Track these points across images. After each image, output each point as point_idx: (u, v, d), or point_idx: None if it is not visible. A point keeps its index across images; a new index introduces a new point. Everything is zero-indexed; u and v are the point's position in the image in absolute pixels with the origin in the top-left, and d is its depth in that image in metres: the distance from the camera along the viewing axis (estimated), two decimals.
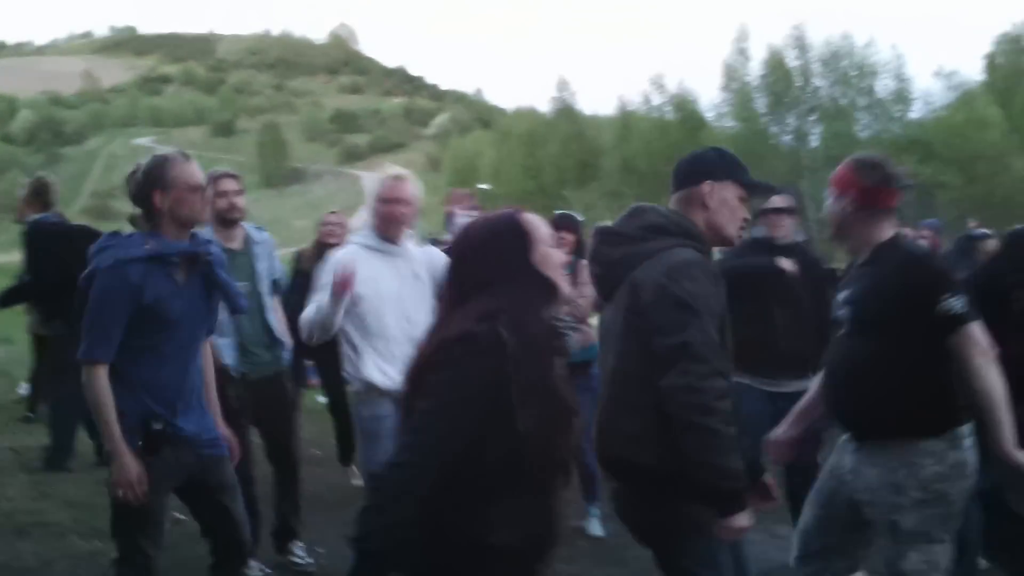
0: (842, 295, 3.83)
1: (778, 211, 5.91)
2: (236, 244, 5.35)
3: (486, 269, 2.66)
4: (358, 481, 7.80)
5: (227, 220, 5.32)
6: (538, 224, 2.75)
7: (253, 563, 5.55)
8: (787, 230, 5.93)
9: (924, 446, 3.52)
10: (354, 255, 4.72)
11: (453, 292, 2.72)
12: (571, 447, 2.66)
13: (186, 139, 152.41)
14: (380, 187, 4.85)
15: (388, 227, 4.79)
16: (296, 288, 7.84)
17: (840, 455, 3.85)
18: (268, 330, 5.43)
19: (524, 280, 2.64)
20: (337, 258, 4.79)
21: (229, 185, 5.35)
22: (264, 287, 5.45)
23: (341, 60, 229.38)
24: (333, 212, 8.11)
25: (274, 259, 5.65)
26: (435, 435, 2.45)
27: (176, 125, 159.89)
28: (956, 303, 3.47)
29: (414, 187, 4.88)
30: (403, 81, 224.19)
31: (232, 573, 4.09)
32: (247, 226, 5.51)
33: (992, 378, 3.44)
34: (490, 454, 2.48)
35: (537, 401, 2.51)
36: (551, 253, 2.72)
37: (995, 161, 48.09)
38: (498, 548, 2.49)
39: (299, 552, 5.78)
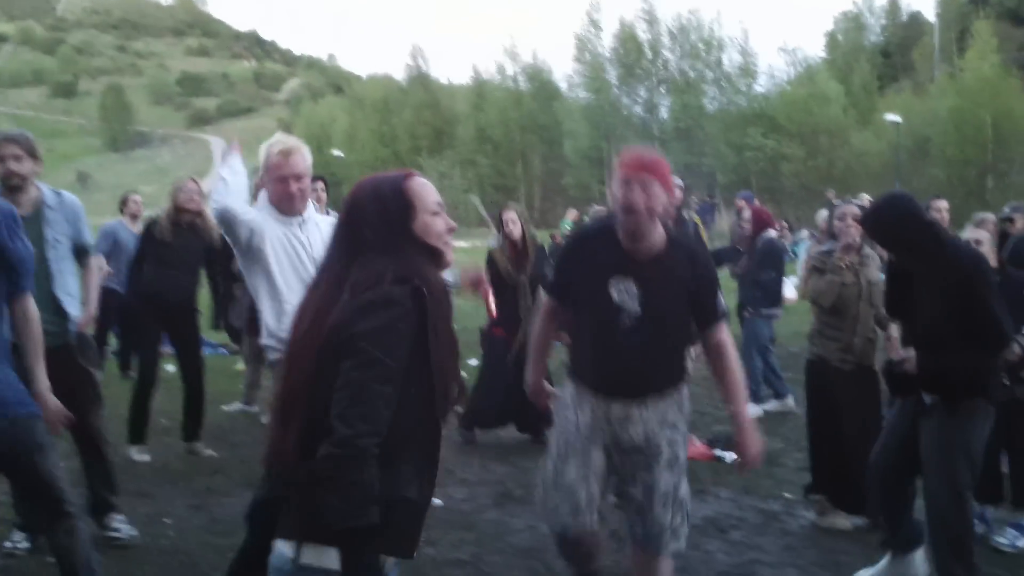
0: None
1: None
2: (25, 210, 5.11)
3: (372, 233, 2.63)
4: (210, 452, 7.68)
5: (8, 186, 5.11)
6: (425, 190, 2.74)
7: (18, 535, 5.30)
8: None
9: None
10: (262, 219, 4.50)
11: (341, 254, 2.69)
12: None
13: (24, 100, 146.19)
14: (271, 162, 4.53)
15: (286, 204, 4.53)
16: (147, 258, 7.62)
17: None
18: (53, 300, 5.20)
19: (408, 246, 2.63)
20: (251, 216, 4.52)
21: (5, 150, 5.12)
22: (54, 254, 5.22)
23: (188, 22, 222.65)
24: (192, 180, 7.81)
25: (77, 224, 5.39)
26: (379, 399, 2.43)
27: (12, 86, 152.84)
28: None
29: (305, 157, 4.57)
30: (253, 45, 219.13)
31: (66, 529, 3.97)
32: (45, 190, 5.29)
33: None
34: (405, 412, 2.49)
35: (445, 360, 2.58)
36: (433, 222, 2.71)
37: (835, 135, 49.82)
38: (409, 501, 2.52)
39: (118, 525, 5.60)
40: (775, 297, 9.72)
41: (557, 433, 4.22)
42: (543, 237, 8.59)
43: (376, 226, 2.63)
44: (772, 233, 10.03)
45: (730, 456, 7.86)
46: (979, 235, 6.02)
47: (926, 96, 50.17)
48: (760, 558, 5.64)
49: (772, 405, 9.67)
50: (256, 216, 4.47)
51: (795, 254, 23.98)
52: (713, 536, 6.03)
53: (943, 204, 8.71)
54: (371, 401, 2.42)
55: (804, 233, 28.75)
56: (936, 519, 4.74)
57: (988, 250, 5.91)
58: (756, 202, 13.78)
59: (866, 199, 11.88)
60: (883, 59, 61.03)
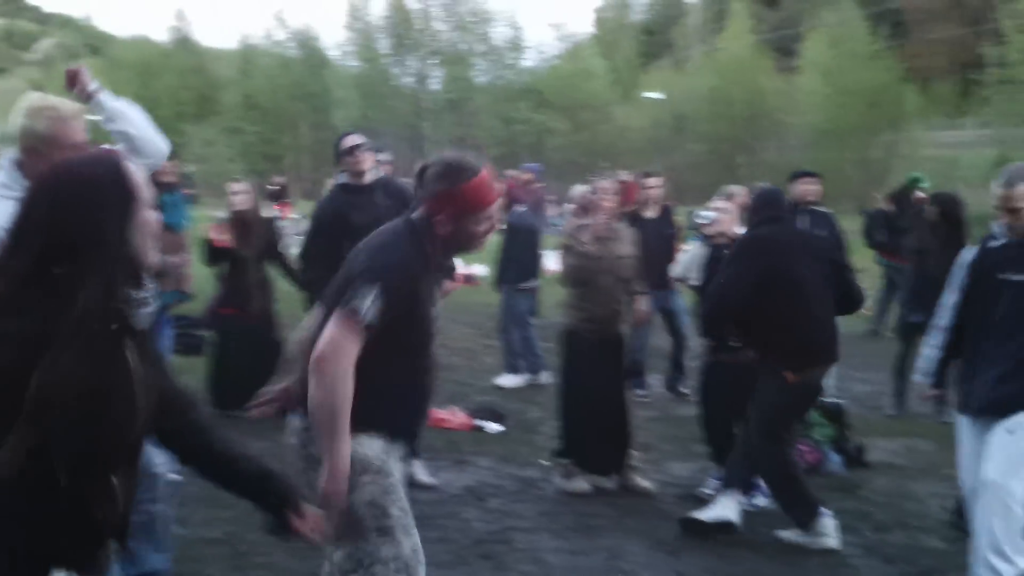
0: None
1: (352, 151, 6.09)
2: None
3: (75, 231, 2.12)
4: None
5: None
6: (141, 176, 2.25)
7: None
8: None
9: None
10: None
11: (22, 258, 2.12)
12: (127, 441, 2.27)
13: None
14: (52, 129, 3.62)
15: None
16: None
17: None
18: None
19: (112, 252, 2.14)
20: None
21: None
22: None
23: None
24: None
25: None
26: None
27: None
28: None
29: (83, 122, 3.73)
30: (1, 2, 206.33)
31: None
32: None
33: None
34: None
35: (75, 412, 2.08)
36: (150, 218, 2.24)
37: (599, 110, 51.11)
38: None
39: None
40: (528, 271, 9.89)
41: (394, 500, 3.28)
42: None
43: (82, 222, 2.13)
44: (522, 208, 10.16)
45: (491, 426, 8.01)
46: (723, 206, 6.39)
47: (685, 74, 52.09)
48: (516, 524, 5.78)
49: (527, 379, 9.83)
50: None
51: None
52: (471, 504, 6.13)
53: (653, 181, 9.45)
54: None
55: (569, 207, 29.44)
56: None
57: (729, 220, 6.34)
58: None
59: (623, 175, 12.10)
60: (646, 36, 62.94)
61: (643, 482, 6.53)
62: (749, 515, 5.99)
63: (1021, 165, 4.59)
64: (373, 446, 3.24)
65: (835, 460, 7.05)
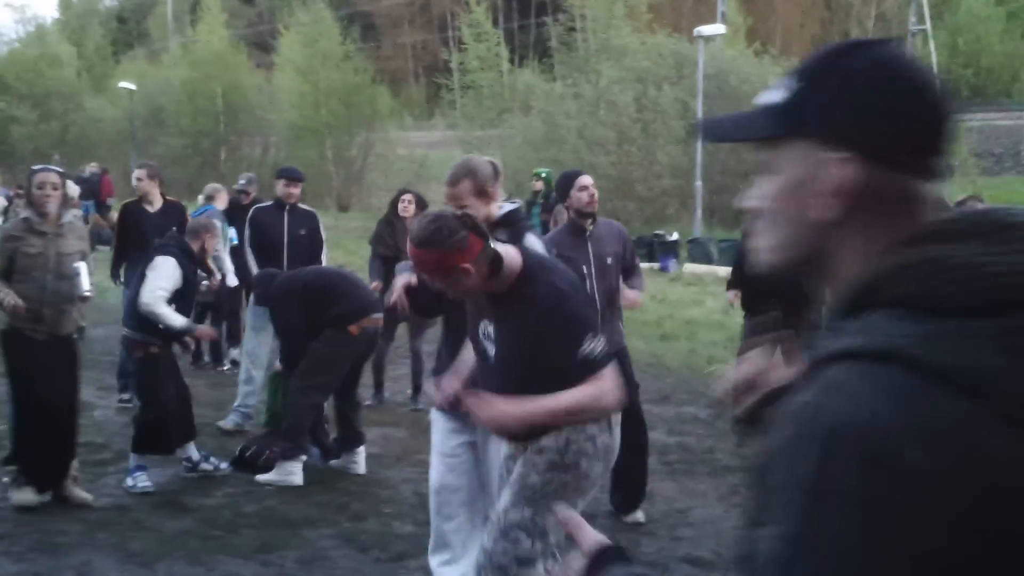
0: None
1: None
2: None
3: None
4: None
5: None
6: None
7: None
8: None
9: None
10: None
11: None
12: None
13: None
14: None
15: None
16: None
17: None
18: None
19: None
20: None
21: None
22: None
23: None
24: None
25: None
26: None
27: None
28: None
29: None
30: None
31: None
32: None
33: None
34: None
35: None
36: None
37: (70, 98, 48.47)
38: None
39: None
40: None
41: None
42: None
43: None
44: None
45: None
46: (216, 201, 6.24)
47: (160, 65, 50.75)
48: None
49: None
50: None
51: None
52: None
53: (139, 172, 9.08)
54: None
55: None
56: None
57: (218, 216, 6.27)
58: None
59: (92, 167, 11.49)
60: (118, 24, 60.58)
61: (82, 494, 6.18)
62: (226, 520, 5.94)
63: (464, 161, 4.50)
64: None
65: (314, 453, 7.14)
